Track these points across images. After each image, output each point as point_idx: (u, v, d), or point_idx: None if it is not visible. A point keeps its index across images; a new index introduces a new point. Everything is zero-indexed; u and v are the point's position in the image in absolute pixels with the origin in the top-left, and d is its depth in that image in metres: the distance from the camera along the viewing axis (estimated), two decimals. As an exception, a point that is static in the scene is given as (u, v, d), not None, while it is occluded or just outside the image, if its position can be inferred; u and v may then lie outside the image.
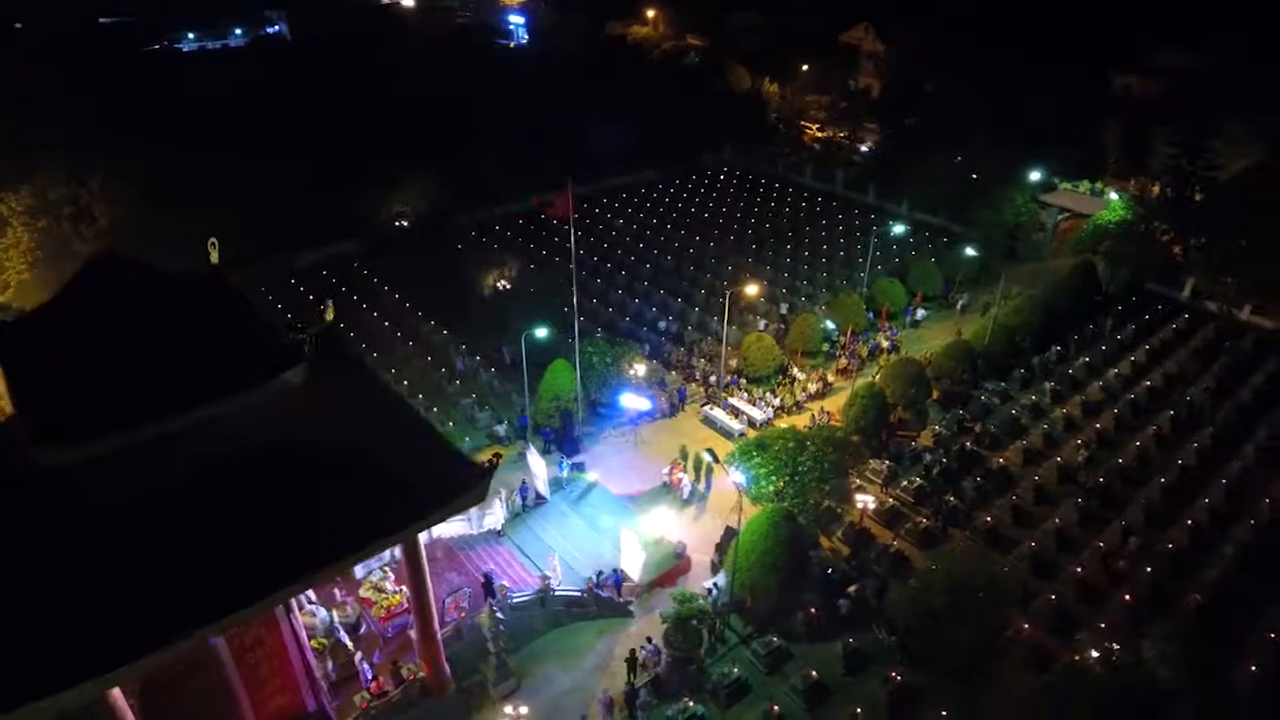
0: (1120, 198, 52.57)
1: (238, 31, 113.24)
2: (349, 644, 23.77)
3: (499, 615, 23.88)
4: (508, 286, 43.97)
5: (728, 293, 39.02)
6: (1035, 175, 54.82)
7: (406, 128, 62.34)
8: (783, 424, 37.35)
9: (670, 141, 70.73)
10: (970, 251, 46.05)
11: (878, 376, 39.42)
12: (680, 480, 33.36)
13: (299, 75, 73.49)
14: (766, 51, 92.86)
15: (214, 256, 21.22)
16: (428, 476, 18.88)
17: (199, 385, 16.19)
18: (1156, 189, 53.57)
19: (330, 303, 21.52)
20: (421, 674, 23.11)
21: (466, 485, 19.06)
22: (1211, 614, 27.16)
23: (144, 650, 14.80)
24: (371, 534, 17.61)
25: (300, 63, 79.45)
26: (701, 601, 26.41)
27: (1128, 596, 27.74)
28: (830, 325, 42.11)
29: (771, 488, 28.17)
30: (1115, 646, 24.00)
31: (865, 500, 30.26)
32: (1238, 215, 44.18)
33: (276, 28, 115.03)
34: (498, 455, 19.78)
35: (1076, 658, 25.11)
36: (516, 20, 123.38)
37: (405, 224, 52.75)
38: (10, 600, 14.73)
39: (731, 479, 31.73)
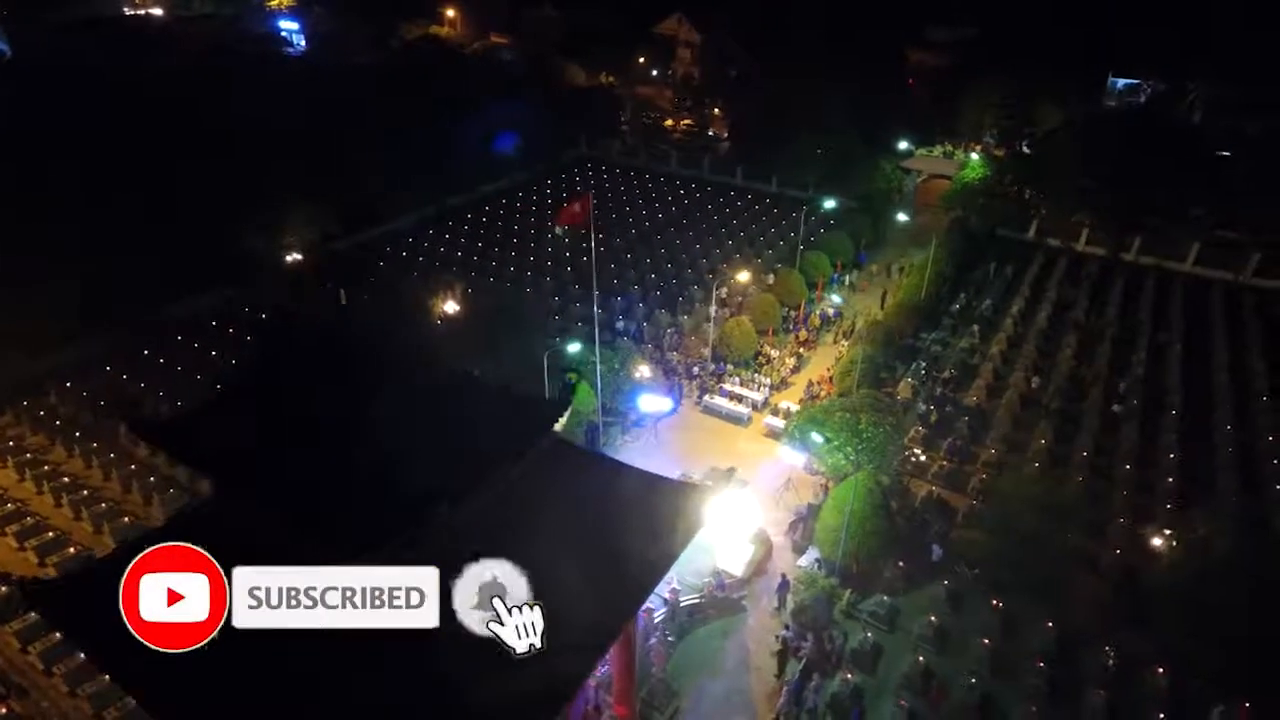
0: (979, 157, 60.01)
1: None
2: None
3: (669, 638, 23.18)
4: (456, 308, 41.14)
5: (714, 282, 39.67)
6: (903, 144, 60.86)
7: (223, 151, 51.98)
8: (778, 401, 39.05)
9: (527, 141, 69.09)
10: (903, 217, 50.48)
11: (846, 344, 42.20)
12: None
13: (48, 100, 59.97)
14: (578, 47, 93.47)
15: (343, 299, 18.26)
16: (665, 505, 18.01)
17: (485, 451, 14.05)
18: (980, 146, 61.70)
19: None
20: (615, 714, 21.91)
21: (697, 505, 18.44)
22: (1187, 497, 32.60)
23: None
24: (659, 571, 16.57)
25: (46, 85, 64.96)
26: (826, 578, 27.26)
27: (1125, 492, 32.70)
28: (837, 301, 44.28)
29: (845, 458, 29.48)
30: (1168, 532, 28.19)
31: (914, 452, 32.63)
32: (1070, 165, 52.39)
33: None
34: (732, 468, 19.16)
35: (1118, 551, 29.38)
36: (289, 26, 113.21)
37: (298, 256, 47.21)
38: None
39: (785, 459, 32.97)
